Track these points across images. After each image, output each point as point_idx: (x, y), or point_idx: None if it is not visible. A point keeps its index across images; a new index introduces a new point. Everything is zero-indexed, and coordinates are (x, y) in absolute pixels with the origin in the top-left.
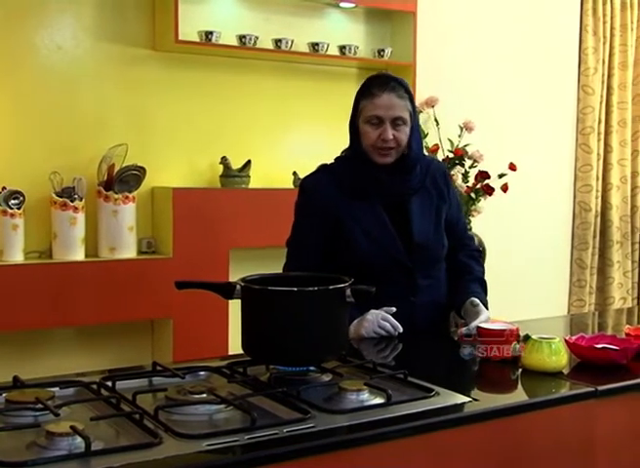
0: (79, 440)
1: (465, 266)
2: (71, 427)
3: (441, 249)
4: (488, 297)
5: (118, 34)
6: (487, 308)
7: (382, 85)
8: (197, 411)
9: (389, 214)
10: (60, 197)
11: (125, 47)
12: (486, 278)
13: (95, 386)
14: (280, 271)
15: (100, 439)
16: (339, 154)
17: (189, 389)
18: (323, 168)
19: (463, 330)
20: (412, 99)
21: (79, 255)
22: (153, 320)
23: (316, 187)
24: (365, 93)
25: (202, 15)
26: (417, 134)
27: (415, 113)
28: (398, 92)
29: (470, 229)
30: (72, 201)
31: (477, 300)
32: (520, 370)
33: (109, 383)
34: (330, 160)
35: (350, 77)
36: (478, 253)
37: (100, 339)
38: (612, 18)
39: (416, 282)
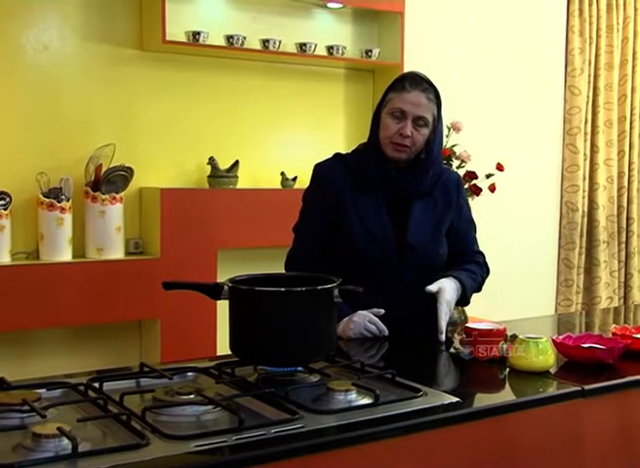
0: (66, 441)
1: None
2: (58, 429)
3: (435, 256)
4: (478, 297)
5: (105, 34)
6: (467, 298)
7: (415, 82)
8: (185, 412)
9: (390, 212)
10: (47, 197)
11: (112, 47)
12: None
13: (82, 387)
14: (267, 272)
15: (87, 440)
16: (328, 154)
17: (177, 390)
18: (336, 156)
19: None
20: (439, 106)
21: (66, 256)
22: (141, 321)
23: (325, 173)
24: (396, 86)
25: (189, 15)
26: (439, 140)
27: (440, 120)
28: (428, 94)
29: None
30: (59, 201)
31: (429, 288)
32: (507, 369)
33: (97, 384)
34: (318, 160)
35: (338, 77)
36: (484, 265)
37: (88, 340)
38: (598, 19)
39: (404, 285)
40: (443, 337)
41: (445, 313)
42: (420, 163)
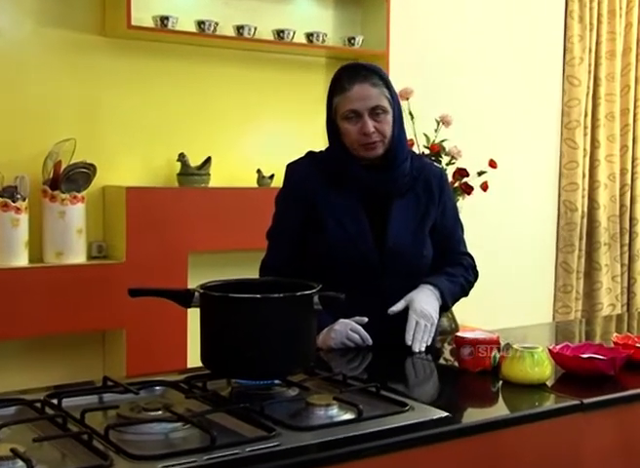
0: (20, 464)
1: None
2: (11, 450)
3: (419, 258)
4: (469, 304)
5: (64, 18)
6: (446, 303)
7: (352, 76)
8: (152, 430)
9: (369, 211)
10: (1, 197)
11: (72, 32)
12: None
13: (39, 404)
14: (242, 277)
15: (43, 462)
16: (307, 150)
17: (143, 406)
18: (309, 154)
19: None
20: (389, 86)
21: (22, 261)
22: (105, 331)
23: (298, 173)
24: (336, 87)
25: None
26: (399, 122)
27: (395, 100)
28: (371, 80)
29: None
30: (14, 201)
31: (392, 309)
32: (500, 382)
33: (55, 401)
34: (297, 156)
35: (318, 67)
36: (470, 268)
37: (47, 353)
38: (599, 3)
39: (386, 290)
40: (416, 348)
41: (412, 326)
42: (387, 156)
